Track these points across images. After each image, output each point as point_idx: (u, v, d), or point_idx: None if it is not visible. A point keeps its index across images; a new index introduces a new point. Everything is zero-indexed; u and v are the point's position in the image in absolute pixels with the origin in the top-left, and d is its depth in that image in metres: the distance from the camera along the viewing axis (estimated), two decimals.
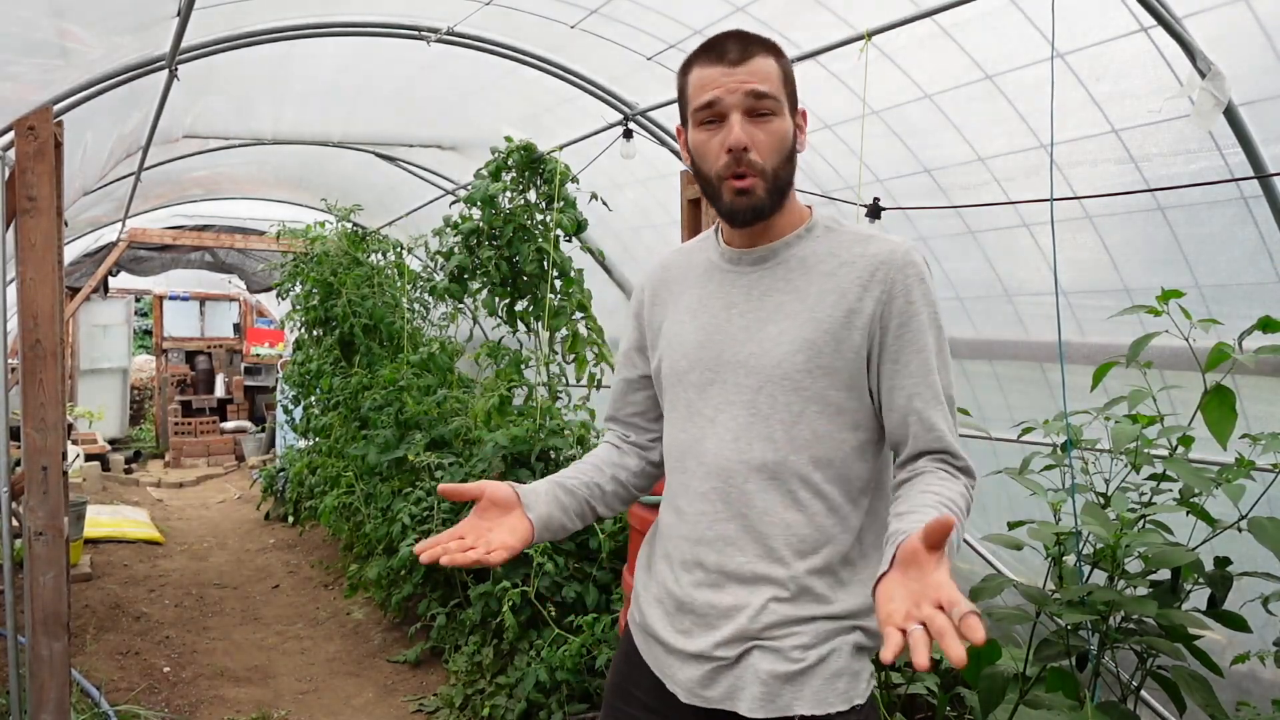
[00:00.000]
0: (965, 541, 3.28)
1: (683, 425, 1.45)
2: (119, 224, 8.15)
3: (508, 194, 4.22)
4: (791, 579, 1.35)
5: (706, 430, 1.41)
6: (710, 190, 1.39)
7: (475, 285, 4.34)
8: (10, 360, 4.60)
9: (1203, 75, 2.20)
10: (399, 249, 6.78)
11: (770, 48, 1.37)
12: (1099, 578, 2.14)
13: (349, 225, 6.91)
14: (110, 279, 10.14)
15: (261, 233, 9.24)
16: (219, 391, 12.09)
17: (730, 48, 1.35)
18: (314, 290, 6.43)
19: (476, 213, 4.25)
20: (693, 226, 3.83)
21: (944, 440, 1.35)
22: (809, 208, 1.47)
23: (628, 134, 3.92)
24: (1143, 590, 2.08)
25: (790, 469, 1.36)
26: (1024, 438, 2.45)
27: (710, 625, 1.39)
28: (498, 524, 1.38)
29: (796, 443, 1.35)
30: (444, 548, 1.29)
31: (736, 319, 1.41)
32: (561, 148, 4.18)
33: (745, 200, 1.35)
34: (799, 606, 1.35)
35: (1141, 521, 2.05)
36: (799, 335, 1.36)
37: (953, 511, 1.24)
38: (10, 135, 2.95)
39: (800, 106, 1.41)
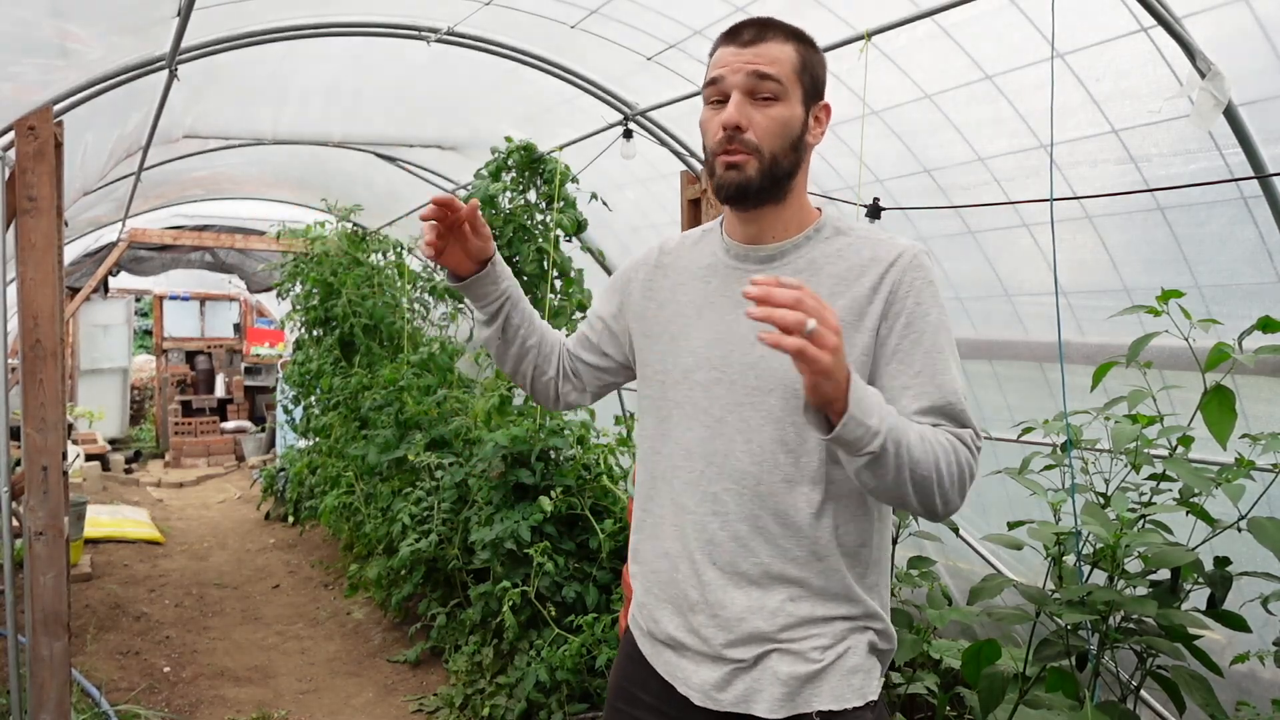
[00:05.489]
0: (966, 542, 3.28)
1: (687, 424, 1.43)
2: (119, 224, 8.14)
3: (508, 194, 4.22)
4: (805, 580, 1.36)
5: (716, 430, 1.40)
6: (709, 168, 1.41)
7: None
8: (10, 360, 4.60)
9: (1203, 75, 2.20)
10: (399, 249, 6.78)
11: (792, 35, 1.37)
12: (1099, 578, 2.14)
13: (349, 225, 6.92)
14: (110, 279, 10.14)
15: (261, 233, 9.23)
16: (219, 391, 12.08)
17: (746, 30, 1.36)
18: (314, 290, 6.43)
19: None
20: (692, 226, 3.83)
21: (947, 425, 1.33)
22: (819, 209, 1.46)
23: (628, 134, 3.92)
24: (1142, 590, 2.08)
25: (803, 472, 1.36)
26: (1024, 438, 2.46)
27: (724, 624, 1.38)
28: (464, 244, 1.50)
29: (808, 445, 1.35)
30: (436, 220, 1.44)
31: (745, 319, 1.40)
32: (561, 148, 4.18)
33: (734, 175, 1.36)
34: (815, 606, 1.36)
35: (1141, 521, 2.05)
36: None
37: (931, 438, 1.25)
38: (10, 135, 2.96)
39: (823, 101, 1.41)
